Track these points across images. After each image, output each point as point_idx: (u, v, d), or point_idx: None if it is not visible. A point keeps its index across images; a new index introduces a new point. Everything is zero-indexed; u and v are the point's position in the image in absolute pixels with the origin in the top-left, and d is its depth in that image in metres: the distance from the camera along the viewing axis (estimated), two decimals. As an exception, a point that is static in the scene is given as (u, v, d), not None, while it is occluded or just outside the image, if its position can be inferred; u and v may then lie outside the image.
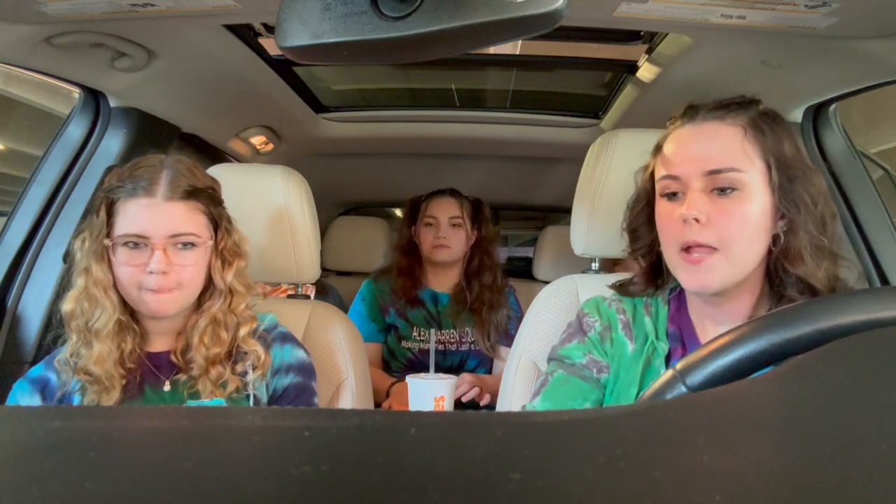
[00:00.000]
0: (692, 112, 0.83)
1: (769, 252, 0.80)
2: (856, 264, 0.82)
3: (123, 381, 0.92)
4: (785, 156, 0.79)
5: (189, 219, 0.92)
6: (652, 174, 0.87)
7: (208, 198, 0.96)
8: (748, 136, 0.78)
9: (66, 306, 0.92)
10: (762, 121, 0.80)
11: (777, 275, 0.80)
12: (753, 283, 0.82)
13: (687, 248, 0.79)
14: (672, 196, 0.82)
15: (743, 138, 0.78)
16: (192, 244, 0.92)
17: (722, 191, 0.77)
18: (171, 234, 0.90)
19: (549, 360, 0.95)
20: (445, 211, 1.78)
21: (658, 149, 0.87)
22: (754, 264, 0.79)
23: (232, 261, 0.98)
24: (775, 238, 0.79)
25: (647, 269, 0.92)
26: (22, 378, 0.95)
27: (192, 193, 0.93)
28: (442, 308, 1.78)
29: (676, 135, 0.84)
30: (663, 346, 0.86)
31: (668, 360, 0.86)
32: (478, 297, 1.75)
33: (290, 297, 1.30)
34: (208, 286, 0.97)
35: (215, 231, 0.97)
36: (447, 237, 1.75)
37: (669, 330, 0.88)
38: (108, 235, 0.91)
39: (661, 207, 0.84)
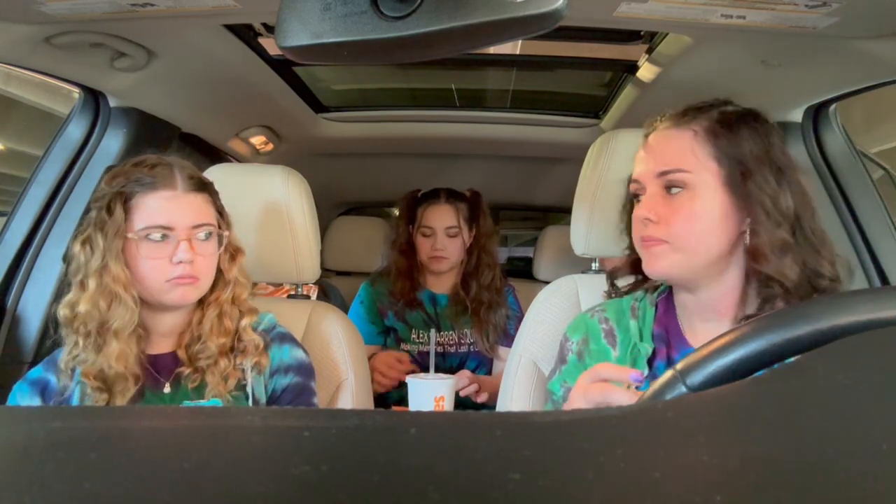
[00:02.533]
0: (657, 121, 0.89)
1: (745, 251, 0.83)
2: (849, 260, 0.84)
3: (131, 383, 0.91)
4: (742, 155, 0.81)
5: (206, 210, 0.96)
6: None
7: (214, 192, 1.00)
8: (698, 138, 0.83)
9: (81, 308, 0.89)
10: (720, 123, 0.83)
11: (753, 273, 0.83)
12: (730, 280, 0.84)
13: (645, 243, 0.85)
14: (637, 198, 0.88)
15: (692, 140, 0.83)
16: (211, 234, 0.95)
17: (670, 189, 0.83)
18: (194, 225, 0.93)
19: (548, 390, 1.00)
20: (442, 220, 1.75)
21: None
22: (711, 257, 0.82)
23: (236, 254, 1.01)
24: (747, 236, 0.82)
25: (631, 260, 0.96)
26: (21, 380, 0.94)
27: (204, 186, 0.97)
28: (441, 309, 1.77)
29: (644, 142, 0.90)
30: (647, 347, 0.89)
31: (653, 361, 0.88)
32: (476, 296, 1.74)
33: (290, 296, 1.30)
34: (215, 278, 0.99)
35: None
36: (444, 248, 1.73)
37: (655, 332, 0.90)
38: (127, 231, 0.91)
39: (633, 209, 0.89)
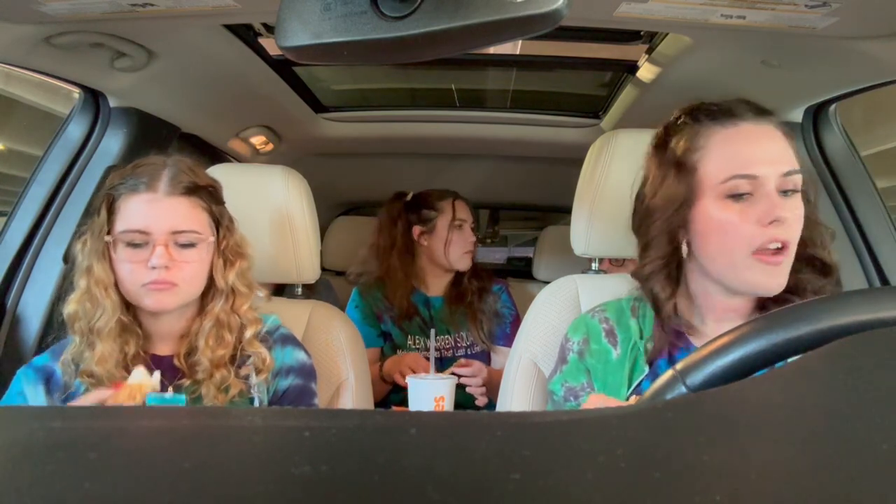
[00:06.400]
0: (733, 110, 0.82)
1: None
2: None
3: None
4: (799, 156, 0.84)
5: (190, 215, 0.92)
6: (694, 174, 0.82)
7: (209, 196, 0.96)
8: (788, 138, 0.83)
9: (69, 308, 0.91)
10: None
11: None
12: None
13: (762, 250, 0.77)
14: (739, 197, 0.79)
15: (789, 140, 0.83)
16: (193, 243, 0.92)
17: (785, 192, 0.79)
18: (173, 231, 0.90)
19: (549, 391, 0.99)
20: (468, 214, 1.77)
21: (687, 149, 0.83)
22: None
23: (234, 261, 0.97)
24: None
25: (669, 271, 0.87)
26: (26, 365, 0.94)
27: (194, 190, 0.93)
28: (435, 312, 1.75)
29: (738, 133, 0.81)
30: (648, 346, 0.88)
31: (653, 360, 0.88)
32: (466, 287, 1.75)
33: (289, 296, 1.30)
34: (210, 287, 0.97)
35: (216, 230, 0.97)
36: (473, 240, 1.75)
37: (656, 332, 0.90)
38: (109, 233, 0.91)
39: (728, 210, 0.79)
